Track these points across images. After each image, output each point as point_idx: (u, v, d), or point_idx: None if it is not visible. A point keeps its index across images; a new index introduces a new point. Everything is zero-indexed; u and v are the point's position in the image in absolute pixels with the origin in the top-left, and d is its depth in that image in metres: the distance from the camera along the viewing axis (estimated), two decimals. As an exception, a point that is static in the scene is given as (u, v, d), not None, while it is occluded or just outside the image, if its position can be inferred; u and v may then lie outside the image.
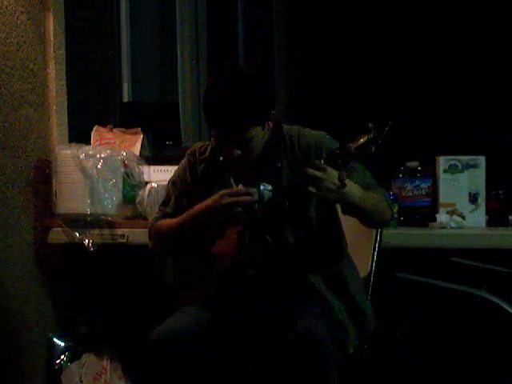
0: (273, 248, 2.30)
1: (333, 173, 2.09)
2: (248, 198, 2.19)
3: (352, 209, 2.24)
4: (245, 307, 2.33)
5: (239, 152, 2.25)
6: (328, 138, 2.35)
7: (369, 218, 2.32)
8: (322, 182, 2.08)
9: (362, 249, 2.38)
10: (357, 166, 2.27)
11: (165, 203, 2.48)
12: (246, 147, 2.26)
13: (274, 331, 2.25)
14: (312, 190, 2.09)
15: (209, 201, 2.25)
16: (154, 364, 2.22)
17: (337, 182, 2.09)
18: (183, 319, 2.29)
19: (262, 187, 2.21)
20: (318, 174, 2.08)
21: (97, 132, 3.30)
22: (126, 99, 3.93)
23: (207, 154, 2.43)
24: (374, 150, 2.06)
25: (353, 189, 2.17)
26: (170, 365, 2.21)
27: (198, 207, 2.29)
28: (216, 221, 2.24)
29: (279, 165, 2.33)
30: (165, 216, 2.45)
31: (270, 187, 2.22)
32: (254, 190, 2.20)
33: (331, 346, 2.11)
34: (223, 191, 2.24)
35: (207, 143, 2.46)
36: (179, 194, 2.44)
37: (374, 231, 2.57)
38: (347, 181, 2.12)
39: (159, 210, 2.50)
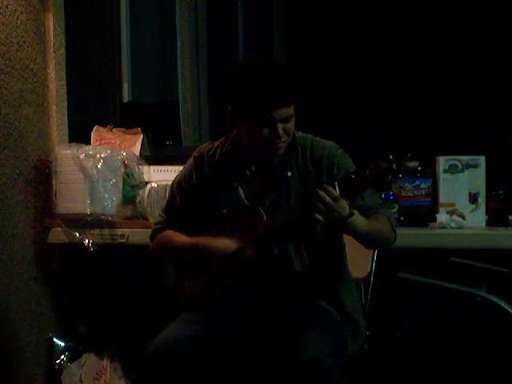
0: (277, 258, 2.30)
1: (344, 204, 2.08)
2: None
3: (353, 236, 2.24)
4: (245, 308, 2.32)
5: (283, 140, 2.22)
6: (340, 151, 2.33)
7: (370, 245, 2.36)
8: (331, 213, 2.07)
9: (362, 248, 2.38)
10: None
11: (169, 208, 2.45)
12: (287, 125, 2.21)
13: (276, 338, 2.25)
14: (319, 217, 2.08)
15: (221, 247, 2.25)
16: (155, 374, 2.21)
17: (345, 213, 2.09)
18: (182, 328, 2.27)
19: (271, 197, 2.21)
20: (330, 202, 2.06)
21: (97, 132, 3.30)
22: (126, 99, 3.93)
23: (217, 157, 2.38)
24: (390, 179, 2.06)
25: (357, 220, 2.16)
26: (170, 374, 2.20)
27: (209, 245, 2.27)
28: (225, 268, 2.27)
29: (289, 174, 2.30)
30: (169, 223, 2.42)
31: (279, 201, 2.22)
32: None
33: (336, 376, 2.10)
34: (236, 248, 2.23)
35: (216, 145, 2.40)
36: (184, 198, 2.40)
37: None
38: (355, 214, 2.13)
39: (163, 213, 2.47)
